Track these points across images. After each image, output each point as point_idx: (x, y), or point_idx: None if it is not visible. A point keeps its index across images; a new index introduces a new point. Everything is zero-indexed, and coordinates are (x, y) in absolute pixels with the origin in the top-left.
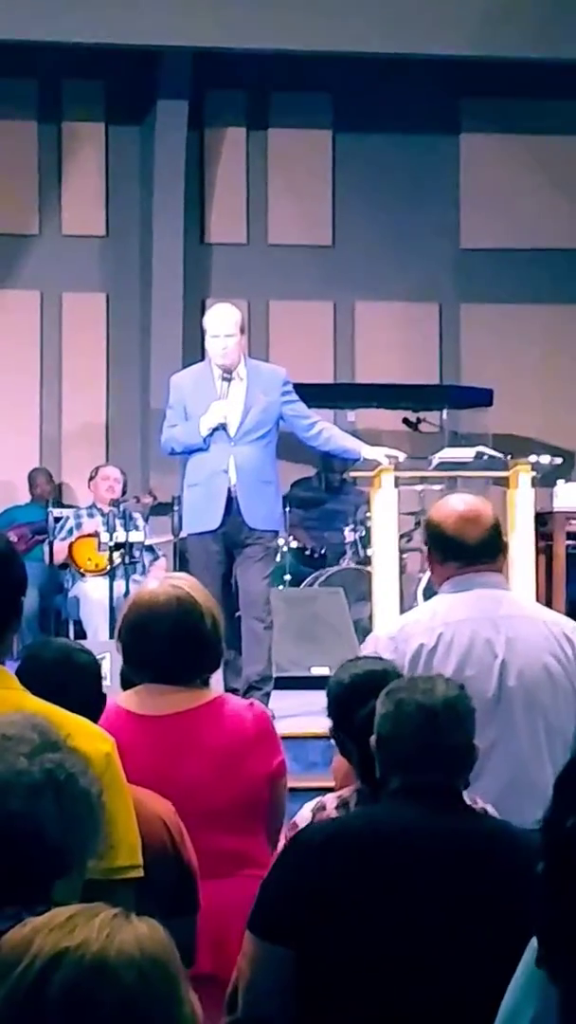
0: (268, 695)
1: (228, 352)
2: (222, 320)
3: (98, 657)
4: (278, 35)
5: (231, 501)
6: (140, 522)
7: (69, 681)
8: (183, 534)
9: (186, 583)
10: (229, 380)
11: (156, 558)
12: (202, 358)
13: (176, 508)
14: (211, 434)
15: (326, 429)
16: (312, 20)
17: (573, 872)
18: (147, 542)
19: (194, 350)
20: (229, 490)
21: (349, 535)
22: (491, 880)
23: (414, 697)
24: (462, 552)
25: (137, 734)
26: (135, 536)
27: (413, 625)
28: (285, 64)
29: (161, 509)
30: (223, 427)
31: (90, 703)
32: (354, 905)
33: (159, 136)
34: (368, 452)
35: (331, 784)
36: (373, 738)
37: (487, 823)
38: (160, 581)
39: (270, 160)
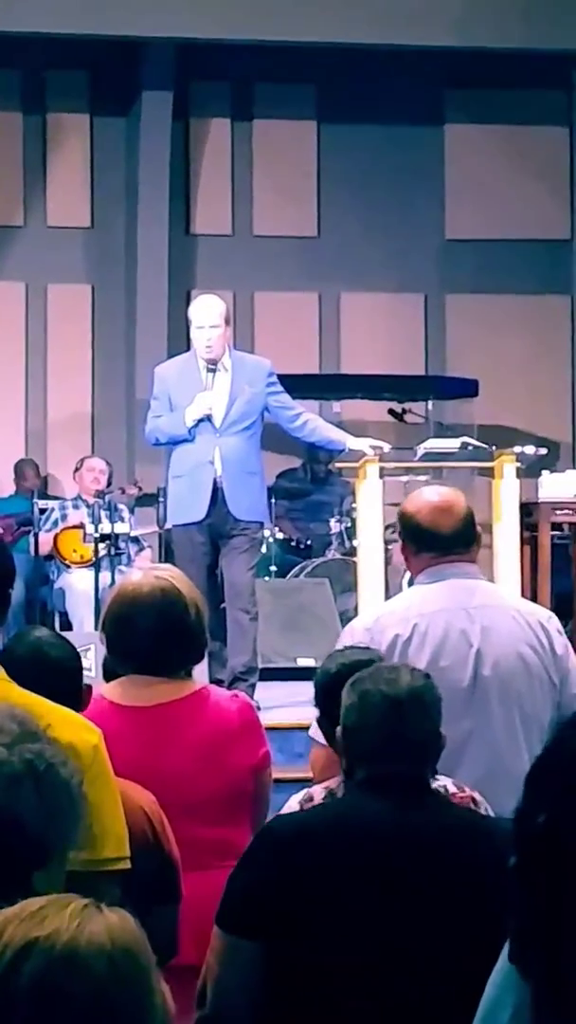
0: (253, 686)
1: (213, 343)
2: (207, 311)
3: (82, 648)
4: (262, 26)
5: (216, 492)
6: (125, 513)
7: (41, 675)
8: (168, 525)
9: (170, 574)
10: (214, 371)
11: (141, 549)
12: (187, 349)
13: (161, 499)
14: (196, 425)
15: (311, 420)
16: (296, 11)
17: (544, 868)
18: (132, 533)
19: (179, 341)
20: (215, 481)
21: (335, 526)
22: (458, 871)
23: (379, 687)
24: (436, 543)
25: (121, 725)
26: (120, 527)
27: (388, 616)
28: (270, 55)
29: (146, 500)
30: (208, 418)
31: (64, 697)
32: (321, 899)
33: (144, 127)
34: (353, 443)
35: None
36: (339, 729)
37: (454, 814)
38: (144, 572)
39: (255, 151)
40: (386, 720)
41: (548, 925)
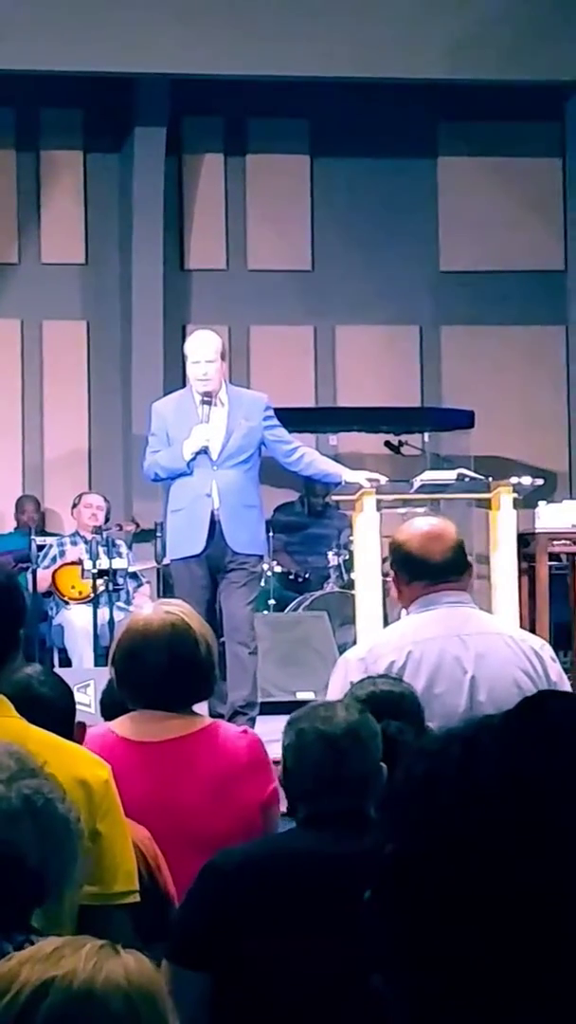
0: (253, 720)
1: (209, 378)
2: (202, 346)
3: (81, 684)
4: (255, 61)
5: (214, 525)
6: (123, 549)
7: (30, 713)
8: (167, 560)
9: (180, 609)
10: (211, 404)
11: (140, 585)
12: (183, 384)
13: (159, 535)
14: (194, 458)
15: (307, 454)
16: (288, 46)
17: (393, 900)
18: (131, 569)
19: (175, 376)
20: (212, 514)
21: (333, 559)
22: None
23: (314, 726)
24: (428, 571)
25: (131, 760)
26: (118, 563)
27: (382, 646)
28: (262, 90)
29: (144, 536)
30: (205, 451)
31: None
32: (263, 930)
33: (137, 163)
34: (349, 476)
35: None
36: (279, 769)
37: None
38: (154, 607)
39: (248, 186)
40: (323, 759)
41: (400, 957)
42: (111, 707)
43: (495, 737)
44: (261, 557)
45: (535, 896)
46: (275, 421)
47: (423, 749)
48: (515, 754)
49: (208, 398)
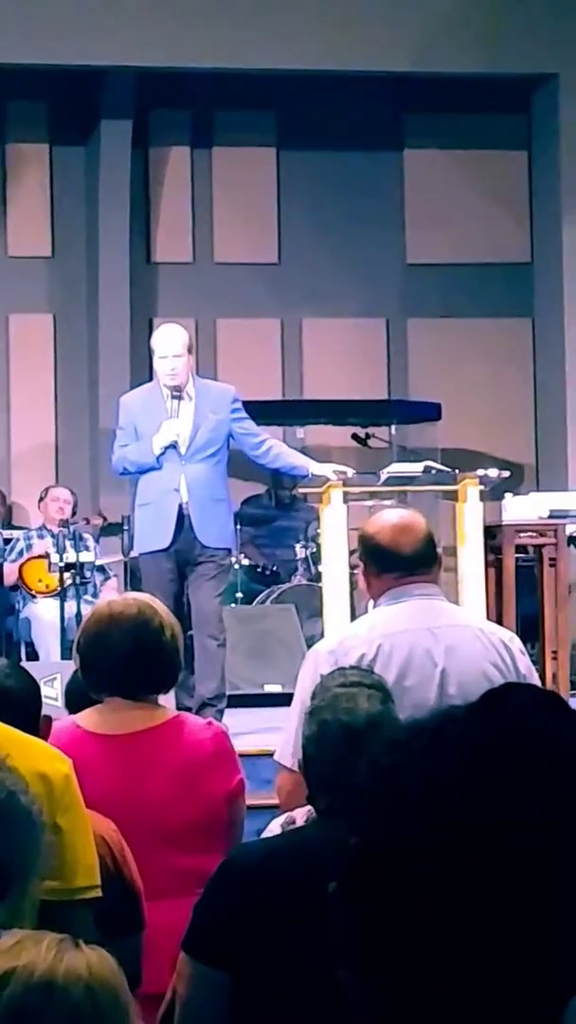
0: (222, 712)
1: (176, 373)
2: (169, 341)
3: (48, 678)
4: (221, 54)
5: (183, 519)
6: (90, 542)
7: None
8: (134, 553)
9: (147, 597)
10: (179, 398)
11: (107, 578)
12: (150, 378)
13: (126, 528)
14: (163, 453)
15: (275, 447)
16: (254, 39)
17: (362, 894)
18: (98, 562)
19: (142, 370)
20: (181, 508)
21: (300, 552)
22: None
23: (337, 716)
24: (398, 563)
25: (96, 753)
26: (85, 556)
27: (352, 638)
28: (228, 82)
29: (111, 529)
30: (174, 445)
31: (20, 728)
32: (286, 928)
33: (104, 156)
34: (316, 468)
35: None
36: (298, 760)
37: None
38: (121, 596)
39: (215, 179)
40: (344, 749)
41: (364, 951)
42: (77, 699)
43: (458, 729)
44: (230, 550)
45: (496, 890)
46: (243, 413)
47: (391, 741)
48: (477, 746)
49: (177, 392)
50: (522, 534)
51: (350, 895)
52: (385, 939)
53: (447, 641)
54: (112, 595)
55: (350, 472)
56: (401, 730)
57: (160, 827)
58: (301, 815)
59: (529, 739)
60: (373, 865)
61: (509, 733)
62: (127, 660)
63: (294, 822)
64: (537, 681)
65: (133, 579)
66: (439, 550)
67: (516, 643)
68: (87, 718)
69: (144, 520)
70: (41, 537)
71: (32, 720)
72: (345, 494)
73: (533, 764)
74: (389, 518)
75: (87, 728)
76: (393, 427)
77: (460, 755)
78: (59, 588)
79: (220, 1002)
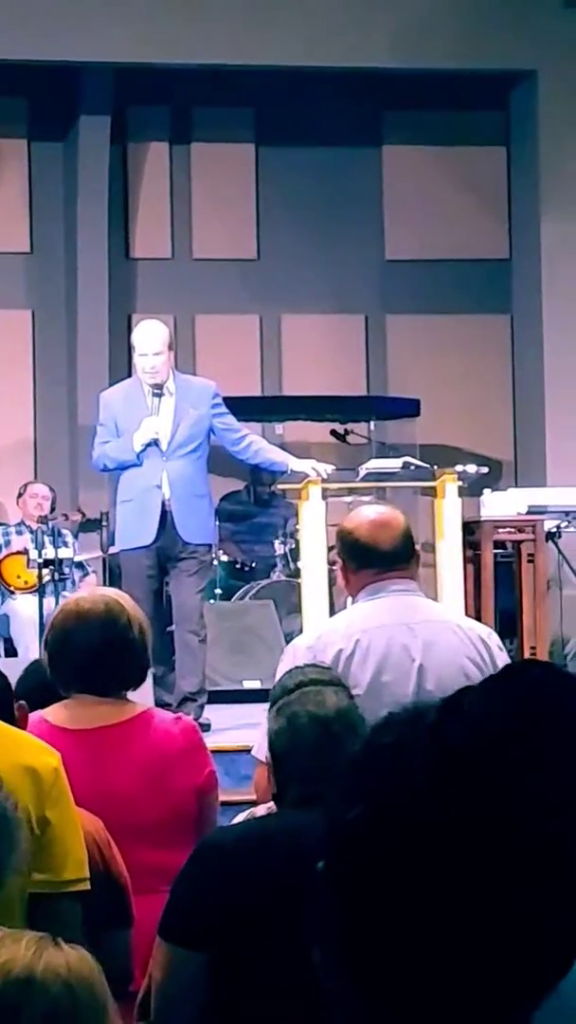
0: (202, 707)
1: (156, 370)
2: (149, 338)
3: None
4: (199, 49)
5: (165, 515)
6: (69, 539)
7: None
8: (114, 550)
9: (115, 593)
10: (160, 395)
11: (86, 574)
12: (129, 374)
13: (105, 524)
14: (144, 449)
15: (255, 442)
16: (233, 34)
17: (357, 871)
18: (77, 558)
19: (121, 366)
20: (163, 504)
21: (279, 548)
22: None
23: (306, 709)
24: (377, 559)
25: (66, 748)
26: (64, 553)
27: (330, 633)
28: (207, 78)
29: (90, 526)
30: (155, 442)
31: None
32: (256, 910)
33: (82, 152)
34: (296, 464)
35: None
36: (267, 755)
37: None
38: (89, 591)
39: (193, 174)
40: (315, 741)
41: (359, 931)
42: (35, 692)
43: (475, 700)
44: (211, 546)
45: (507, 864)
46: (223, 409)
47: (388, 721)
48: (492, 717)
49: (158, 389)
50: (501, 530)
51: (345, 871)
52: (377, 918)
53: (425, 637)
54: (90, 589)
55: (330, 469)
56: (401, 712)
57: (130, 822)
58: (262, 811)
59: (545, 712)
60: (376, 839)
61: (528, 705)
62: (94, 657)
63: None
64: None
65: (112, 575)
66: (417, 546)
67: (494, 639)
68: (55, 713)
69: (126, 516)
70: (20, 533)
71: (6, 713)
72: (324, 490)
73: (548, 736)
74: (367, 514)
75: (55, 723)
76: (372, 423)
77: (476, 724)
78: (38, 584)
79: (197, 985)
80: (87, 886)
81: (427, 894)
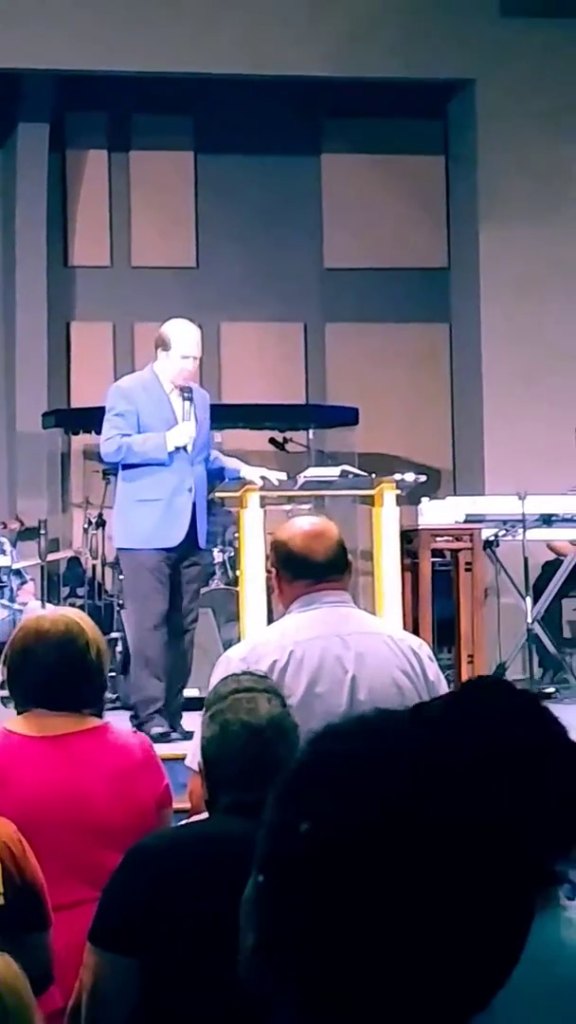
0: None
1: (195, 374)
2: (197, 341)
3: None
4: (139, 57)
5: (193, 519)
6: (7, 547)
7: None
8: (124, 545)
9: (76, 614)
10: (190, 399)
11: (24, 582)
12: (67, 382)
13: (43, 532)
14: (176, 451)
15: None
16: (172, 42)
17: (304, 881)
18: (15, 566)
19: (59, 373)
20: (193, 507)
21: (218, 555)
22: None
23: (239, 716)
24: (310, 570)
25: (34, 753)
26: (2, 561)
27: (264, 645)
28: (146, 86)
29: (28, 534)
30: (184, 447)
31: None
32: (187, 915)
33: (20, 159)
34: (247, 471)
35: None
36: (199, 761)
37: None
38: (52, 610)
39: (132, 182)
40: (247, 749)
41: (303, 941)
42: None
43: (440, 713)
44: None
45: (446, 885)
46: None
47: (330, 731)
48: (461, 729)
49: (188, 394)
50: (438, 538)
51: (290, 883)
52: (325, 928)
53: (357, 648)
54: (29, 599)
55: (284, 477)
56: (346, 723)
57: (97, 824)
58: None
59: (507, 730)
60: (327, 852)
61: (491, 722)
62: (51, 674)
63: None
64: (445, 687)
65: (50, 583)
66: (354, 554)
67: (425, 650)
68: (16, 723)
69: (151, 517)
70: None
71: None
72: (262, 498)
73: (506, 759)
74: (301, 525)
75: (18, 731)
76: (311, 431)
77: (448, 740)
78: None
79: (128, 990)
80: (0, 900)
81: (381, 905)
